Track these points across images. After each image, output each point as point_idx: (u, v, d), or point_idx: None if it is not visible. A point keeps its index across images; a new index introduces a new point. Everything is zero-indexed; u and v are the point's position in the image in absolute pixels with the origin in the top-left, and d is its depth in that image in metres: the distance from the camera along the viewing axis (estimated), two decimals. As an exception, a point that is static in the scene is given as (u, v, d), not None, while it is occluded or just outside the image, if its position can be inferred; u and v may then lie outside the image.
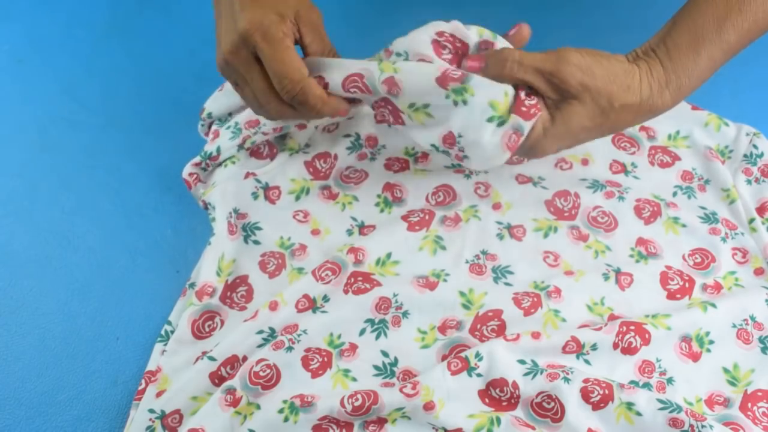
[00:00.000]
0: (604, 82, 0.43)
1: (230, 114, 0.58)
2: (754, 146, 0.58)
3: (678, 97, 0.46)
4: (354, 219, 0.55)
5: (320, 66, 0.47)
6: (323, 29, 0.49)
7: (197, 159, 0.56)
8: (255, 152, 0.57)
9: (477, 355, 0.47)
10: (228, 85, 0.58)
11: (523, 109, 0.44)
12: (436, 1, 0.72)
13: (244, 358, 0.48)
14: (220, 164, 0.57)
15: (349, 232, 0.55)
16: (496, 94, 0.44)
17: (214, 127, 0.58)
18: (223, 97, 0.58)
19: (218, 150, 0.56)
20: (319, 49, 0.48)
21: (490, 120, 0.44)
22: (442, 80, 0.44)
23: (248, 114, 0.57)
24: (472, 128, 0.45)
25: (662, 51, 0.45)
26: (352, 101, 0.50)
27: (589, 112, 0.44)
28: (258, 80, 0.46)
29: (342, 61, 0.47)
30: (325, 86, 0.47)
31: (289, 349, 0.48)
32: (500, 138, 0.44)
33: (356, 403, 0.45)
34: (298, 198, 0.56)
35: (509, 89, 0.44)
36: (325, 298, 0.51)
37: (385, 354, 0.49)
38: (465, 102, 0.44)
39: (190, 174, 0.56)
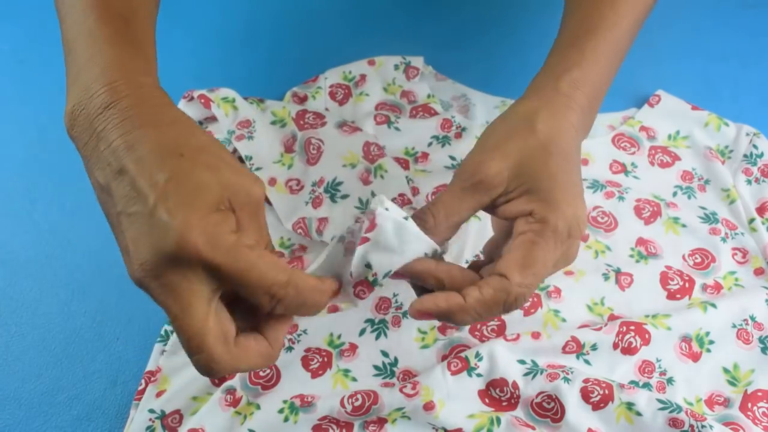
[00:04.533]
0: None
1: (200, 122, 0.59)
2: (754, 146, 0.58)
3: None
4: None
5: None
6: (261, 213, 0.34)
7: None
8: (241, 160, 0.58)
9: (477, 355, 0.47)
10: (195, 94, 0.58)
11: None
12: (436, 2, 0.72)
13: (244, 358, 0.48)
14: None
15: (349, 232, 0.55)
16: None
17: None
18: (191, 107, 0.58)
19: None
20: (255, 238, 0.33)
21: None
22: None
23: (235, 122, 0.57)
24: None
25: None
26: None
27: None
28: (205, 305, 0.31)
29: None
30: None
31: (289, 349, 0.48)
32: None
33: (356, 403, 0.45)
34: (298, 198, 0.56)
35: None
36: (325, 298, 0.51)
37: (385, 354, 0.49)
38: None
39: None
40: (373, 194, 0.54)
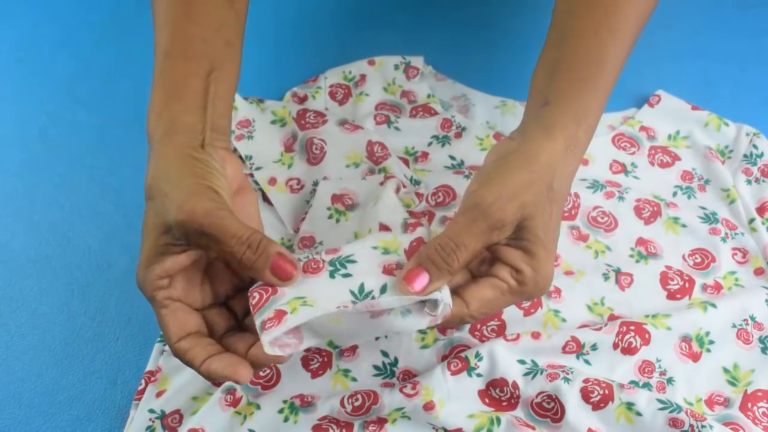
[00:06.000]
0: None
1: None
2: (754, 146, 0.58)
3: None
4: (354, 219, 0.55)
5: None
6: (214, 226, 0.37)
7: None
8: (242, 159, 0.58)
9: (477, 355, 0.47)
10: None
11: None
12: (436, 2, 0.72)
13: (244, 358, 0.48)
14: None
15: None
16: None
17: None
18: None
19: None
20: (221, 252, 0.37)
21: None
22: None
23: (234, 122, 0.57)
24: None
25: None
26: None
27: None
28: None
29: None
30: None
31: (289, 349, 0.48)
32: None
33: (356, 403, 0.45)
34: (298, 198, 0.56)
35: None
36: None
37: (385, 354, 0.49)
38: None
39: None
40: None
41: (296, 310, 0.35)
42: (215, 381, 0.39)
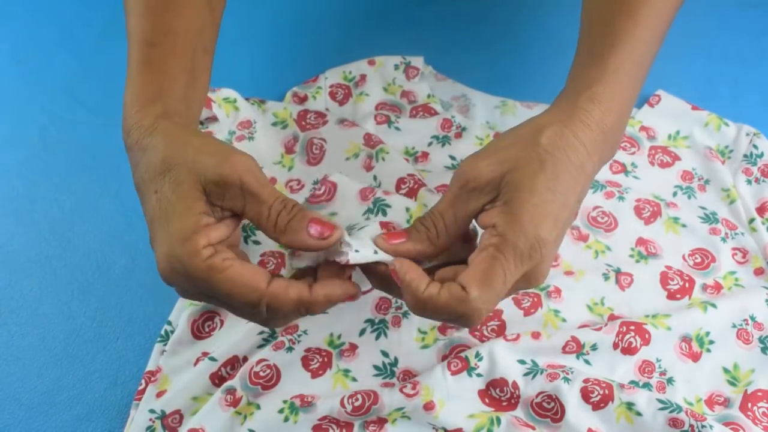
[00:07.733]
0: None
1: (201, 122, 0.59)
2: (754, 146, 0.58)
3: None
4: (354, 219, 0.55)
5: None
6: (254, 183, 0.36)
7: None
8: None
9: (477, 355, 0.47)
10: None
11: None
12: (436, 2, 0.72)
13: (245, 359, 0.48)
14: None
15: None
16: None
17: None
18: None
19: None
20: (255, 212, 0.37)
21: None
22: None
23: (235, 123, 0.57)
24: None
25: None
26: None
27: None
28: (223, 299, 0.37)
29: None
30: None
31: (290, 349, 0.48)
32: None
33: (356, 403, 0.45)
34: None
35: None
36: (325, 298, 0.51)
37: (385, 354, 0.49)
38: None
39: None
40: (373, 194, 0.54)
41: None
42: (329, 304, 0.37)
